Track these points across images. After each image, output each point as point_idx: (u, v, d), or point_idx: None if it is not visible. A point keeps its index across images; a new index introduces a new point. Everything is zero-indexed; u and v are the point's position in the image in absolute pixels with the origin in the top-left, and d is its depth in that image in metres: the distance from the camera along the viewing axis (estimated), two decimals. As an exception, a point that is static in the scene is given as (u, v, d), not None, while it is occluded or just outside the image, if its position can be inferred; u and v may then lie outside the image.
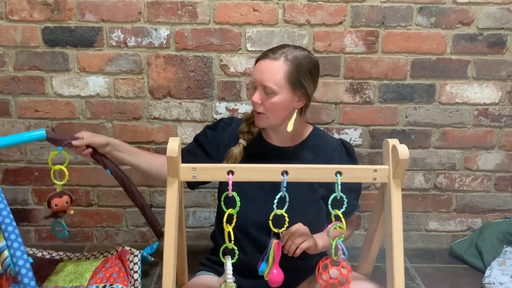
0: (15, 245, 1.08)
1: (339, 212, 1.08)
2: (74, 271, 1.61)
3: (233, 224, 1.06)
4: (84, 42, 1.75)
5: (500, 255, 1.78)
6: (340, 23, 1.73)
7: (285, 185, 1.06)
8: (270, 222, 1.09)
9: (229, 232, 1.07)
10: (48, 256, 1.76)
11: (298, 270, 1.32)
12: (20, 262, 1.07)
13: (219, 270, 1.37)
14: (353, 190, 1.32)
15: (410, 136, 1.86)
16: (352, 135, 1.85)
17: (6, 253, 1.11)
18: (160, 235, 1.53)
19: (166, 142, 1.07)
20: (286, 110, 1.25)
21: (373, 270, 1.36)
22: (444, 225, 1.98)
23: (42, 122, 1.82)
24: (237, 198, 1.04)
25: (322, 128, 1.44)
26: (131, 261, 1.62)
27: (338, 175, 1.07)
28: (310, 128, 1.37)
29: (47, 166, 1.86)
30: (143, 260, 1.67)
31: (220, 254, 1.10)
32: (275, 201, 1.07)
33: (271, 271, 1.13)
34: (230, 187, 1.04)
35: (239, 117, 1.45)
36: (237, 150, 1.28)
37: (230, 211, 1.07)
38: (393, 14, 1.73)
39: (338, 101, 1.82)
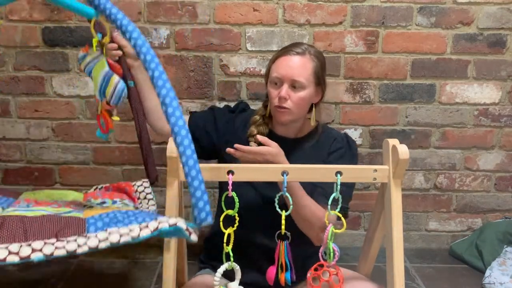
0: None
1: (337, 212, 1.09)
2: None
3: (235, 227, 1.05)
4: (84, 42, 1.74)
5: (500, 255, 1.78)
6: (340, 23, 1.73)
7: (285, 184, 1.06)
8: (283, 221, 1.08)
9: (229, 234, 1.05)
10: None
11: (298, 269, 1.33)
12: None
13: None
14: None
15: (410, 136, 1.86)
16: (352, 135, 1.84)
17: (114, 78, 1.06)
18: (154, 179, 1.36)
19: (166, 142, 1.07)
20: (308, 105, 1.30)
21: (373, 270, 1.36)
22: (444, 225, 1.97)
23: (42, 122, 1.82)
24: (236, 199, 1.04)
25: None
26: (138, 191, 1.29)
27: (338, 175, 1.07)
28: (314, 125, 1.39)
29: (47, 166, 1.88)
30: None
31: (230, 256, 1.09)
32: (276, 200, 1.07)
33: (271, 267, 1.14)
34: (230, 187, 1.04)
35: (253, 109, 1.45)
36: None
37: (229, 212, 1.06)
38: (393, 14, 1.73)
39: (338, 101, 1.82)
